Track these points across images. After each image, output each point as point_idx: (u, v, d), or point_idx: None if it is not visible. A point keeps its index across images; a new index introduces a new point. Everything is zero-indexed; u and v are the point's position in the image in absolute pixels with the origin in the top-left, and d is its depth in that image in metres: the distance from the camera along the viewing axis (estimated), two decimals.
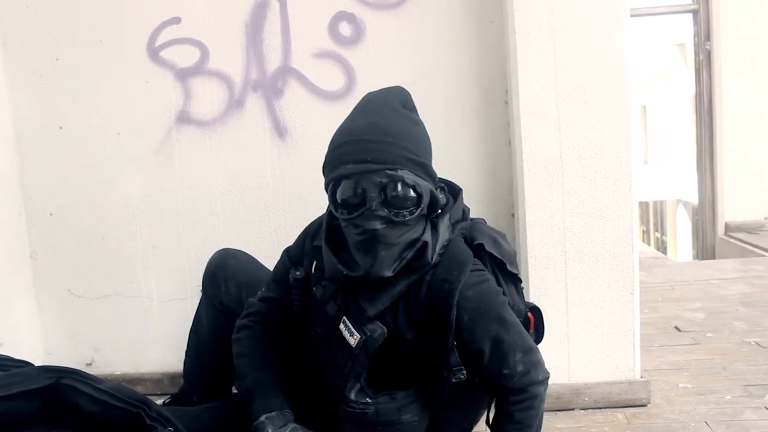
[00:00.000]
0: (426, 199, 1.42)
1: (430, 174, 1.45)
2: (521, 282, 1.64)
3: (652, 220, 16.91)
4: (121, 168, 2.24)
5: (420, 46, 2.12)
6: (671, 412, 2.02)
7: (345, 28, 2.13)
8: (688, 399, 2.10)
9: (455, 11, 2.10)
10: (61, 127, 2.24)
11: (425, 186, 1.42)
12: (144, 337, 2.31)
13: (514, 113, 2.01)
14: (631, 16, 2.03)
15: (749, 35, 5.17)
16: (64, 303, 2.33)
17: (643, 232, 17.23)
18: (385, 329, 1.46)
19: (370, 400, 1.50)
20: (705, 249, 5.50)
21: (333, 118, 1.55)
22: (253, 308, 1.68)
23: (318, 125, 2.13)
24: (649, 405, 2.05)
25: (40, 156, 2.26)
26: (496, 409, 1.56)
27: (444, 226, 1.48)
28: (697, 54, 5.47)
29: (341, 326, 1.49)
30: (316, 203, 1.90)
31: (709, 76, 5.29)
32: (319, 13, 2.13)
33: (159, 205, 2.25)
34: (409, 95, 1.51)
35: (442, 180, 1.52)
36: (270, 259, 1.75)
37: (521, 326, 1.53)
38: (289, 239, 1.68)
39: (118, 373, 2.31)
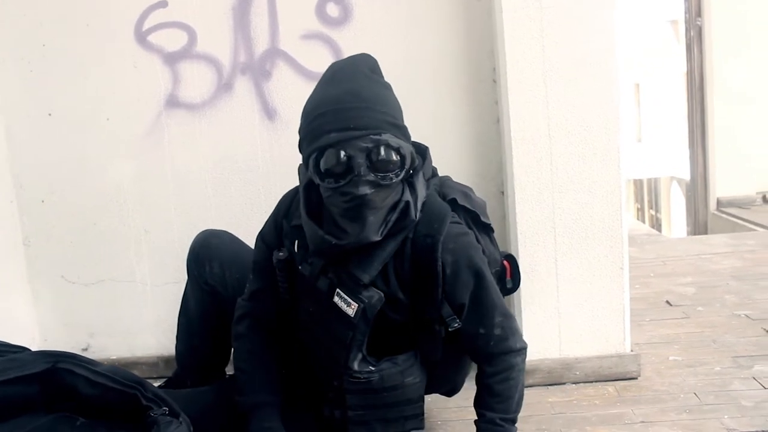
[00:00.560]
0: (408, 161, 1.44)
1: (407, 136, 1.47)
2: (494, 231, 1.69)
3: (647, 198, 16.96)
4: (112, 153, 2.24)
5: (408, 26, 2.12)
6: (661, 384, 2.05)
7: (332, 9, 2.12)
8: (678, 371, 2.13)
9: None
10: (50, 114, 2.24)
11: (407, 148, 1.44)
12: (138, 321, 2.32)
13: (502, 91, 2.01)
14: None
15: (740, 11, 5.16)
16: (59, 289, 2.34)
17: (638, 209, 17.29)
18: (382, 294, 1.48)
19: (373, 368, 1.53)
20: (697, 225, 5.53)
21: None
22: (242, 310, 1.69)
23: None
24: (639, 378, 2.08)
25: (29, 143, 2.26)
26: (476, 385, 1.59)
27: (420, 183, 1.50)
28: (688, 30, 5.45)
29: (336, 299, 1.50)
30: None
31: (700, 52, 5.28)
32: None
33: (150, 190, 2.25)
34: (376, 61, 1.52)
35: None
36: None
37: (499, 291, 1.57)
38: None
39: (114, 357, 2.32)
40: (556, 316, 2.07)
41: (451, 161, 2.02)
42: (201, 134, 2.21)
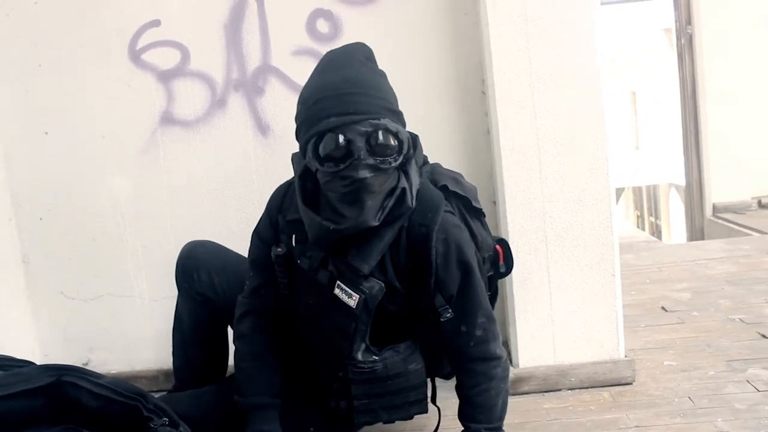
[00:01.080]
0: (406, 146, 1.45)
1: (403, 122, 1.49)
2: (485, 216, 1.70)
3: (646, 205, 16.95)
4: (108, 170, 2.28)
5: (396, 40, 2.15)
6: (656, 388, 2.06)
7: (322, 25, 2.16)
8: (673, 376, 2.15)
9: (430, 4, 2.14)
10: (46, 133, 2.27)
11: (404, 133, 1.46)
12: (138, 335, 2.35)
13: (491, 103, 2.04)
14: (617, 2, 2.07)
15: (728, 18, 5.20)
16: (58, 305, 2.37)
17: (638, 217, 17.28)
18: (382, 284, 1.49)
19: (377, 357, 1.54)
20: (694, 231, 5.55)
21: None
22: (244, 307, 1.69)
23: None
24: (634, 383, 2.10)
25: (27, 162, 2.30)
26: (458, 397, 1.61)
27: (413, 171, 1.51)
28: (679, 38, 5.50)
29: (336, 291, 1.50)
30: None
31: (692, 60, 5.33)
32: (297, 11, 2.16)
33: (146, 206, 2.29)
34: (371, 50, 1.54)
35: None
36: None
37: (486, 294, 1.58)
38: None
39: (114, 371, 2.34)
40: (549, 323, 2.08)
41: None
42: (196, 150, 2.24)
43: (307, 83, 1.50)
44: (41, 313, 2.38)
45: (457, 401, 1.63)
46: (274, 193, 1.67)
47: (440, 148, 2.16)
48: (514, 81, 1.98)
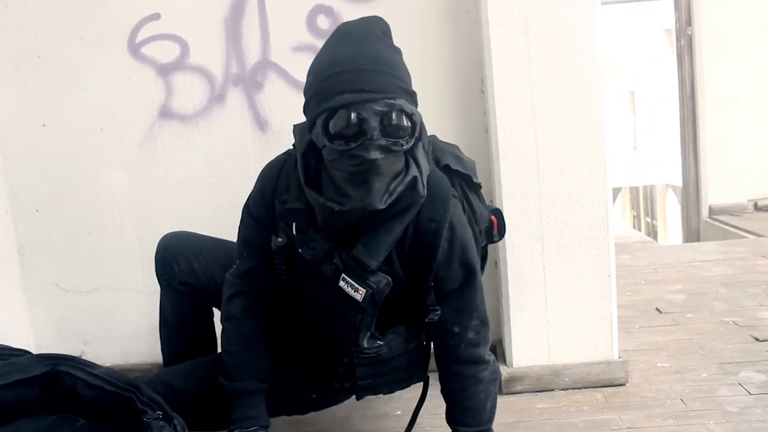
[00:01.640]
0: (419, 129, 1.39)
1: (416, 103, 1.43)
2: (481, 188, 1.70)
3: (643, 205, 16.98)
4: (106, 163, 2.27)
5: (396, 37, 2.12)
6: (648, 390, 2.07)
7: (323, 21, 2.15)
8: (666, 378, 2.15)
9: (431, 1, 2.13)
10: (44, 125, 2.26)
11: (418, 115, 1.40)
12: (132, 328, 2.35)
13: (490, 101, 2.05)
14: (617, 2, 2.07)
15: (729, 20, 5.21)
16: (53, 297, 2.36)
17: (634, 217, 17.32)
18: (389, 278, 1.46)
19: (381, 343, 1.54)
20: (690, 232, 5.57)
21: None
22: (234, 288, 1.63)
23: (298, 118, 2.15)
24: (627, 384, 2.11)
25: (24, 153, 2.29)
26: (445, 400, 1.62)
27: (422, 155, 1.46)
28: (678, 39, 5.51)
29: (342, 284, 1.46)
30: None
31: (691, 61, 5.33)
32: (297, 7, 2.15)
33: (143, 199, 2.28)
34: (388, 25, 1.48)
35: None
36: None
37: (484, 297, 1.58)
38: None
39: (109, 364, 2.32)
40: (544, 323, 2.09)
41: None
42: (194, 144, 2.24)
43: (320, 55, 1.43)
44: (36, 304, 2.38)
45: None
46: (266, 169, 1.60)
47: None
48: (514, 80, 1.98)
